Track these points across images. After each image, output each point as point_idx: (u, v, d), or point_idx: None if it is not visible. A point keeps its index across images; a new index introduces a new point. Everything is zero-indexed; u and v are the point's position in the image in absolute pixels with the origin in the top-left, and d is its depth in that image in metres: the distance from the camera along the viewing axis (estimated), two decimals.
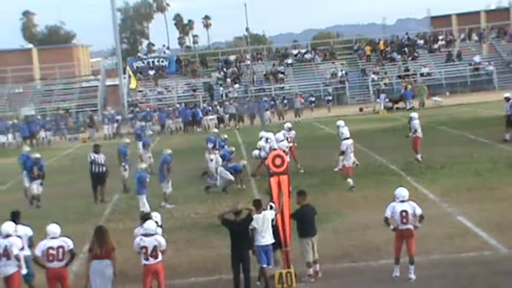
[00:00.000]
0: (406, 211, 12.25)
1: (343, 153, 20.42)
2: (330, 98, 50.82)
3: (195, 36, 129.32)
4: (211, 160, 22.96)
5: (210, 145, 23.71)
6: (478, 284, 11.92)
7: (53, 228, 11.60)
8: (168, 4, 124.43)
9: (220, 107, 47.40)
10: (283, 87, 56.87)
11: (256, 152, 23.08)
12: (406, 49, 60.49)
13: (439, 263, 13.12)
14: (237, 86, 57.56)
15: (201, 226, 17.31)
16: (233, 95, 55.14)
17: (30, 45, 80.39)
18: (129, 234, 14.29)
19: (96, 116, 50.57)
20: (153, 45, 78.70)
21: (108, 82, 63.27)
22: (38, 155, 22.40)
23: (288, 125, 25.40)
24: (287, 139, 24.06)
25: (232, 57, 63.13)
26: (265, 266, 12.31)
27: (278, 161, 12.76)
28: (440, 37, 63.07)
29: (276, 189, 12.70)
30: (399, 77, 56.35)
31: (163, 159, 20.55)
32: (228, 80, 58.33)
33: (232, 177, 21.59)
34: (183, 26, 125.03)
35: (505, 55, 59.42)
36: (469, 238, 14.54)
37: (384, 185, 19.96)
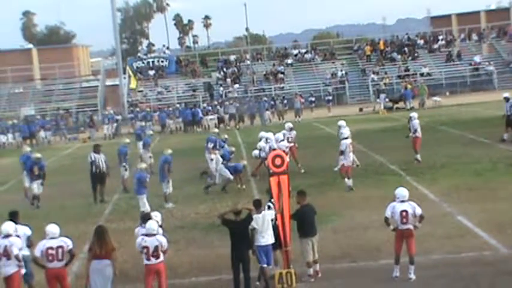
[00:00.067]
0: (406, 211, 12.24)
1: (342, 152, 20.44)
2: (330, 98, 50.79)
3: (195, 36, 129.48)
4: (212, 160, 22.96)
5: (211, 145, 23.70)
6: (478, 284, 11.91)
7: (52, 229, 11.60)
8: (168, 4, 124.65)
9: (221, 107, 47.39)
10: (283, 87, 56.88)
11: (256, 152, 23.09)
12: (406, 49, 60.51)
13: (439, 263, 13.11)
14: (237, 86, 57.57)
15: (201, 226, 17.31)
16: (233, 95, 55.16)
17: (30, 45, 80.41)
18: (129, 234, 14.34)
19: (96, 116, 50.55)
20: (153, 45, 78.93)
21: (108, 82, 63.27)
22: (38, 155, 22.40)
23: (289, 125, 25.40)
24: (288, 139, 24.08)
25: (232, 57, 63.16)
26: (265, 266, 12.31)
27: (278, 161, 12.75)
28: (440, 37, 63.08)
29: (275, 189, 12.70)
30: (399, 77, 56.36)
31: (164, 159, 20.54)
32: (228, 80, 58.34)
33: (231, 176, 21.60)
34: (183, 26, 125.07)
35: (505, 55, 59.43)
36: (469, 238, 14.54)
37: (383, 185, 19.97)
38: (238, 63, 61.58)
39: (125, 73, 58.42)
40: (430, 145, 26.18)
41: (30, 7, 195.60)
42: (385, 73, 57.52)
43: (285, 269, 12.51)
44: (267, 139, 23.11)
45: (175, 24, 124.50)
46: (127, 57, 67.65)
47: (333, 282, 12.67)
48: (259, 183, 21.45)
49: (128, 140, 25.42)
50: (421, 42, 62.66)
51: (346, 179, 20.31)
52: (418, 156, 23.77)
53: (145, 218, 12.44)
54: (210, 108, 48.07)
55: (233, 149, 23.95)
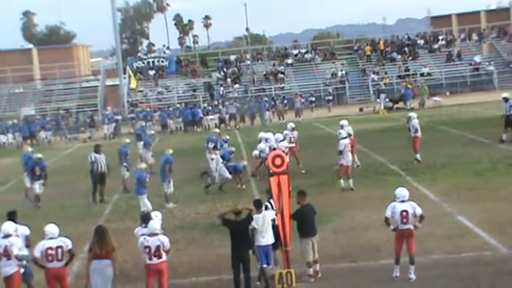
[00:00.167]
0: (406, 211, 12.24)
1: (340, 152, 20.46)
2: (330, 98, 50.79)
3: (195, 36, 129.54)
4: (212, 159, 22.96)
5: (211, 145, 23.72)
6: (479, 284, 11.91)
7: (51, 229, 11.60)
8: (168, 4, 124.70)
9: (223, 106, 47.39)
10: (283, 87, 56.88)
11: (256, 152, 23.09)
12: (406, 49, 60.50)
13: (439, 263, 13.11)
14: (237, 86, 57.58)
15: (202, 226, 17.31)
16: (233, 95, 55.17)
17: (30, 45, 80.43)
18: (129, 234, 14.34)
19: (96, 116, 50.56)
20: (153, 45, 78.93)
21: (108, 82, 63.31)
22: (39, 155, 22.41)
23: (291, 125, 25.42)
24: (290, 139, 24.11)
25: (232, 57, 63.15)
26: (265, 266, 12.32)
27: (278, 161, 12.74)
28: (441, 37, 63.07)
29: (275, 189, 12.70)
30: (399, 77, 56.35)
31: (165, 159, 20.54)
32: (228, 80, 58.35)
33: (229, 176, 21.62)
34: (183, 26, 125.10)
35: (505, 55, 59.43)
36: (469, 238, 14.54)
37: (384, 185, 19.97)
38: (238, 63, 61.58)
39: (125, 73, 58.44)
40: (430, 145, 26.19)
41: (30, 7, 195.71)
42: (385, 73, 57.52)
43: (285, 269, 12.51)
44: (266, 139, 23.13)
45: (175, 24, 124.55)
46: (127, 57, 67.66)
47: (333, 282, 12.67)
48: (259, 183, 21.45)
49: (128, 140, 25.43)
50: (421, 42, 62.66)
51: (341, 180, 20.34)
52: (418, 156, 23.77)
53: (146, 218, 12.44)
54: (210, 108, 48.09)
55: (233, 149, 23.96)
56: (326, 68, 59.61)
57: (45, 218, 16.21)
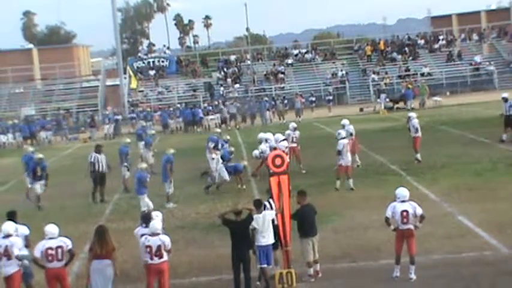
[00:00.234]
0: (406, 211, 12.24)
1: (339, 152, 20.45)
2: (331, 98, 50.82)
3: (195, 36, 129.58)
4: (213, 159, 22.96)
5: (212, 144, 23.72)
6: (479, 284, 11.91)
7: (51, 229, 11.60)
8: (168, 4, 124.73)
9: (224, 106, 47.41)
10: (283, 87, 56.88)
11: (256, 152, 23.09)
12: (406, 49, 60.51)
13: (439, 263, 13.11)
14: (237, 86, 57.58)
15: (202, 226, 17.31)
16: (233, 95, 55.17)
17: (31, 45, 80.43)
18: (130, 234, 14.33)
19: (97, 116, 50.57)
20: (154, 45, 78.74)
21: (109, 82, 63.34)
22: (40, 156, 22.40)
23: (294, 125, 25.45)
24: (292, 139, 24.13)
25: (232, 57, 63.17)
26: (265, 266, 12.31)
27: (278, 161, 12.75)
28: (441, 37, 63.07)
29: (276, 189, 12.70)
30: (400, 77, 56.34)
31: (166, 159, 20.55)
32: (229, 80, 58.35)
33: (228, 178, 21.64)
34: (183, 26, 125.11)
35: (506, 55, 59.43)
36: (470, 238, 14.54)
37: (384, 185, 19.98)
38: (238, 63, 61.59)
39: (125, 73, 58.46)
40: (430, 145, 26.18)
41: (31, 7, 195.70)
42: (386, 73, 57.52)
43: (286, 269, 12.51)
44: (266, 140, 23.15)
45: (175, 24, 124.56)
46: (127, 57, 67.69)
47: (333, 282, 12.67)
48: (259, 184, 21.45)
49: (128, 140, 25.42)
50: (422, 42, 62.67)
51: (338, 181, 20.33)
52: (418, 156, 23.77)
53: (146, 218, 12.44)
54: (210, 108, 48.10)
55: (232, 149, 23.97)
56: (326, 68, 59.62)
57: (45, 218, 16.22)
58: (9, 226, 11.86)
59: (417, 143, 23.90)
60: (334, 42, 72.61)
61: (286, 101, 49.55)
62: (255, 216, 12.32)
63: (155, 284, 11.67)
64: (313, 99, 50.11)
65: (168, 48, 75.01)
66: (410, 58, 59.67)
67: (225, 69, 60.08)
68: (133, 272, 13.46)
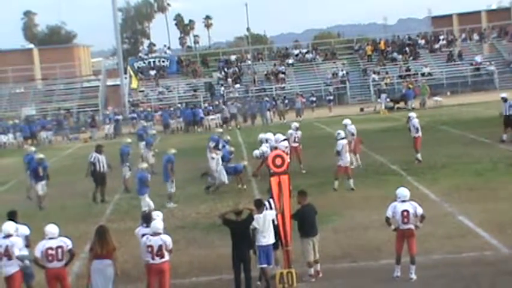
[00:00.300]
0: (407, 211, 12.25)
1: (338, 153, 20.46)
2: (331, 98, 50.83)
3: (196, 36, 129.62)
4: (213, 158, 22.98)
5: (212, 144, 23.72)
6: (479, 284, 11.91)
7: (51, 229, 11.60)
8: (169, 4, 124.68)
9: (225, 106, 47.43)
10: (284, 87, 56.88)
11: (256, 152, 23.10)
12: (407, 49, 60.50)
13: (439, 263, 13.11)
14: (238, 86, 57.59)
15: (202, 226, 17.32)
16: (234, 95, 55.18)
17: (31, 45, 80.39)
18: (130, 234, 14.35)
19: (97, 116, 50.59)
20: (154, 45, 78.85)
21: (109, 82, 63.34)
22: (41, 156, 22.41)
23: (296, 124, 25.52)
24: (294, 139, 24.16)
25: (233, 57, 63.16)
26: (265, 266, 12.32)
27: (278, 161, 12.75)
28: (441, 37, 63.06)
29: (276, 189, 12.70)
30: (400, 77, 56.33)
31: (167, 159, 20.57)
32: (229, 80, 58.35)
33: (227, 181, 21.65)
34: (184, 26, 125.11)
35: (506, 55, 59.41)
36: (470, 238, 14.54)
37: (384, 185, 19.98)
38: (239, 63, 61.60)
39: (125, 73, 58.47)
40: (430, 145, 26.18)
41: (31, 7, 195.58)
42: (386, 73, 57.52)
43: (286, 268, 12.52)
44: (267, 140, 23.16)
45: (176, 24, 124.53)
46: (128, 57, 67.70)
47: (333, 282, 12.67)
48: (260, 184, 21.47)
49: (129, 140, 25.43)
50: (422, 42, 62.65)
51: (336, 181, 20.34)
52: (419, 156, 23.77)
53: (147, 217, 12.44)
54: (211, 108, 48.11)
55: (232, 149, 23.99)
56: (327, 67, 59.62)
57: (45, 218, 16.23)
58: (9, 226, 11.87)
59: (418, 143, 23.90)
60: (334, 42, 72.62)
61: (286, 101, 49.57)
62: (255, 216, 12.32)
63: (155, 284, 11.66)
64: (314, 99, 50.12)
65: (168, 48, 74.98)
66: (411, 58, 59.66)
67: (226, 69, 60.08)
68: (133, 272, 13.47)
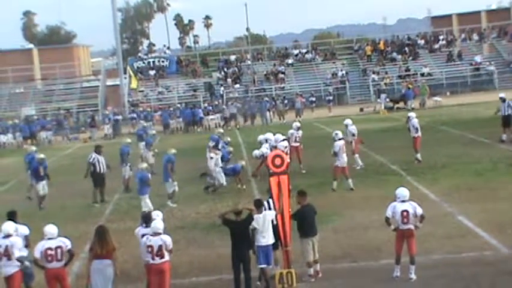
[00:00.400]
0: (407, 211, 12.25)
1: (335, 154, 20.47)
2: (331, 98, 50.83)
3: (195, 36, 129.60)
4: (211, 158, 22.97)
5: (212, 143, 23.72)
6: (479, 284, 11.91)
7: (50, 229, 11.60)
8: (168, 4, 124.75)
9: (226, 106, 47.42)
10: (283, 87, 56.88)
11: (256, 152, 23.10)
12: (406, 49, 60.49)
13: (439, 263, 13.11)
14: (237, 86, 57.59)
15: (202, 226, 17.32)
16: (234, 95, 55.17)
17: (31, 45, 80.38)
18: (130, 234, 14.35)
19: (97, 116, 50.58)
20: (154, 45, 78.92)
21: (109, 82, 63.33)
22: (42, 156, 22.44)
23: (297, 124, 25.55)
24: (295, 138, 24.17)
25: (232, 57, 63.15)
26: (265, 266, 12.31)
27: (278, 161, 12.75)
28: (441, 37, 63.06)
29: (276, 190, 12.69)
30: (400, 77, 56.33)
31: (167, 159, 20.58)
32: (229, 80, 58.35)
33: (225, 183, 21.64)
34: (183, 26, 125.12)
35: (506, 55, 59.41)
36: (470, 238, 14.54)
37: (384, 185, 19.98)
38: (238, 63, 61.59)
39: (125, 73, 58.46)
40: (430, 145, 26.19)
41: (31, 7, 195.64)
42: (386, 73, 57.51)
43: (286, 269, 12.51)
44: (266, 140, 23.16)
45: (175, 24, 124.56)
46: (128, 57, 67.67)
47: (333, 282, 12.67)
48: (259, 184, 21.47)
49: (129, 140, 25.44)
50: (422, 42, 62.65)
51: (335, 182, 20.35)
52: (419, 156, 23.77)
53: (147, 218, 12.44)
54: (210, 108, 48.11)
55: (231, 149, 24.01)
56: (326, 68, 59.61)
57: (45, 218, 16.22)
58: (9, 226, 11.87)
59: (417, 143, 23.90)
60: (334, 42, 72.62)
61: (286, 101, 49.57)
62: (255, 216, 12.32)
63: (155, 284, 11.65)
64: (314, 99, 50.13)
65: (168, 48, 75.02)
66: (411, 58, 59.66)
67: (225, 69, 60.08)
68: (133, 272, 13.46)
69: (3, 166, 33.61)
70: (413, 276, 12.26)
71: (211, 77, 59.55)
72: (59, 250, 11.42)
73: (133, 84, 58.30)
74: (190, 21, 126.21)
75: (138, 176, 18.95)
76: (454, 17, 76.19)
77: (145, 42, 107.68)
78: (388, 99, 49.01)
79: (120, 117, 48.24)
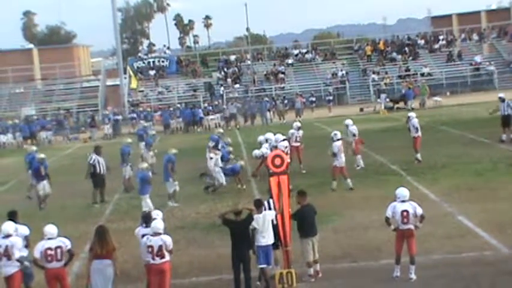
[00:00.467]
0: (407, 211, 12.25)
1: (334, 154, 20.48)
2: (331, 98, 50.84)
3: (195, 36, 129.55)
4: (211, 158, 22.98)
5: (211, 144, 23.73)
6: (479, 284, 11.91)
7: (50, 229, 11.60)
8: (168, 4, 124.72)
9: (226, 106, 47.41)
10: (283, 87, 56.87)
11: (256, 151, 23.11)
12: (406, 49, 60.48)
13: (439, 263, 13.11)
14: (237, 86, 57.59)
15: (202, 226, 17.32)
16: (234, 95, 55.17)
17: (31, 45, 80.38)
18: (130, 234, 14.35)
19: (97, 116, 50.59)
20: (154, 45, 78.92)
21: (109, 82, 63.34)
22: (42, 155, 22.45)
23: (298, 124, 25.57)
24: (296, 138, 24.17)
25: (232, 57, 63.15)
26: (265, 266, 12.31)
27: (278, 161, 12.75)
28: (441, 37, 63.05)
29: (275, 190, 12.69)
30: (400, 77, 56.34)
31: (168, 158, 20.59)
32: (229, 80, 58.35)
33: (224, 182, 21.65)
34: (183, 26, 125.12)
35: (506, 55, 59.41)
36: (470, 238, 14.54)
37: (384, 185, 19.98)
38: (238, 63, 61.59)
39: (125, 73, 58.46)
40: (430, 145, 26.18)
41: (31, 7, 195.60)
42: (386, 73, 57.50)
43: (286, 269, 12.51)
44: (267, 140, 23.16)
45: (175, 24, 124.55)
46: (127, 57, 67.66)
47: (333, 282, 12.67)
48: (259, 184, 21.47)
49: (130, 140, 25.45)
50: (422, 42, 62.64)
51: (334, 182, 20.37)
52: (419, 156, 23.77)
53: (147, 218, 12.44)
54: (210, 108, 48.12)
55: (230, 148, 24.02)
56: (326, 68, 59.60)
57: (45, 218, 16.22)
58: (9, 226, 11.87)
59: (417, 143, 23.90)
60: (334, 42, 72.61)
61: (286, 101, 49.57)
62: (255, 216, 12.32)
63: (155, 284, 11.65)
64: (314, 99, 50.14)
65: (168, 48, 75.01)
66: (411, 58, 59.65)
67: (225, 69, 60.08)
68: (133, 272, 13.46)
69: (3, 166, 33.61)
70: (413, 276, 12.26)
71: (211, 77, 59.55)
72: (58, 250, 11.42)
73: (133, 84, 58.30)
74: (190, 21, 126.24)
75: (139, 176, 18.97)
76: (454, 17, 76.19)
77: (145, 42, 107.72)
78: (388, 99, 49.02)
79: (120, 117, 48.25)
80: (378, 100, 49.60)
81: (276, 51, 66.46)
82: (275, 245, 12.56)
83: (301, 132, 24.77)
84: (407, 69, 57.52)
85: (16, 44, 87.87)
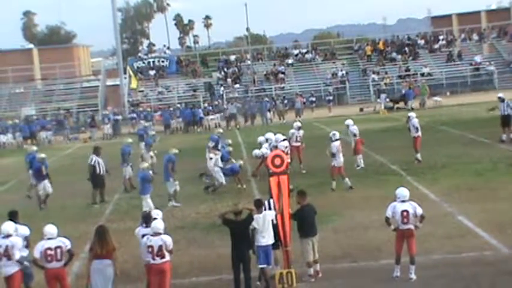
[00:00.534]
0: (407, 211, 12.25)
1: (333, 155, 20.48)
2: (331, 98, 50.84)
3: (195, 36, 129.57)
4: (211, 159, 22.99)
5: (211, 144, 23.73)
6: (479, 284, 11.91)
7: (50, 229, 11.60)
8: (168, 4, 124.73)
9: (227, 106, 47.40)
10: (283, 87, 56.88)
11: (256, 151, 23.11)
12: (406, 49, 60.49)
13: (439, 263, 13.11)
14: (237, 86, 57.60)
15: (202, 226, 17.32)
16: (234, 95, 55.17)
17: (31, 45, 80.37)
18: (130, 234, 14.35)
19: (97, 116, 50.58)
20: (154, 45, 78.84)
21: (109, 82, 63.34)
22: (42, 155, 22.47)
23: (298, 124, 25.59)
24: (296, 138, 24.18)
25: (232, 57, 63.16)
26: (265, 266, 12.31)
27: (277, 161, 12.75)
28: (441, 37, 63.05)
29: (275, 190, 12.69)
30: (400, 77, 56.34)
31: (168, 158, 20.60)
32: (229, 80, 58.35)
33: (224, 182, 21.67)
34: (183, 26, 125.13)
35: (506, 55, 59.41)
36: (470, 238, 14.54)
37: (384, 185, 19.98)
38: (238, 63, 61.60)
39: (125, 73, 58.46)
40: (430, 145, 26.19)
41: (31, 7, 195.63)
42: (386, 73, 57.51)
43: (286, 269, 12.51)
44: (267, 140, 23.16)
45: (175, 24, 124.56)
46: (127, 57, 67.68)
47: (333, 282, 12.67)
48: (259, 183, 21.47)
49: (130, 140, 25.45)
50: (422, 42, 62.64)
51: (333, 182, 20.37)
52: (419, 156, 23.78)
53: (147, 218, 12.44)
54: (210, 108, 48.12)
55: (230, 148, 24.03)
56: (326, 68, 59.61)
57: (45, 218, 16.22)
58: (9, 226, 11.87)
59: (417, 142, 23.91)
60: (334, 42, 72.62)
61: (286, 101, 49.57)
62: (255, 216, 12.32)
63: (155, 284, 11.65)
64: (313, 99, 50.15)
65: (168, 48, 75.02)
66: (410, 58, 59.66)
67: (225, 69, 60.09)
68: (133, 272, 13.47)
69: (3, 166, 33.61)
70: (413, 276, 12.27)
71: (211, 77, 59.55)
72: (58, 250, 11.42)
73: (133, 84, 58.30)
74: (190, 21, 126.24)
75: (140, 176, 18.97)
76: (454, 17, 76.19)
77: (145, 42, 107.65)
78: (388, 99, 49.02)
79: (120, 117, 48.24)
80: (378, 100, 49.60)
81: (276, 51, 66.47)
82: (275, 245, 12.56)
83: (301, 132, 24.79)
84: (407, 69, 57.52)
85: (16, 44, 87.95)
